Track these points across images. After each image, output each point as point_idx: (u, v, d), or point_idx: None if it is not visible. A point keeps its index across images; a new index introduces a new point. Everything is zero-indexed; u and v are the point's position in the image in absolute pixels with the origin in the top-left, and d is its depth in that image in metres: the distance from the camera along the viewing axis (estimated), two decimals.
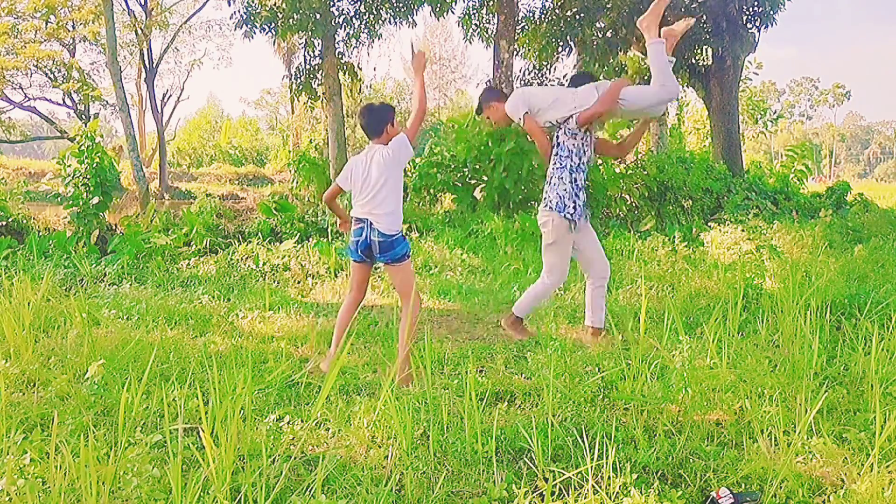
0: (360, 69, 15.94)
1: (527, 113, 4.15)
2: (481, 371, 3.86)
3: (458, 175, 10.63)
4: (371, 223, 3.75)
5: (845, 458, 2.54)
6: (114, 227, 9.14)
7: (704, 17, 13.55)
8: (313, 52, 14.79)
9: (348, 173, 3.90)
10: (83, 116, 22.53)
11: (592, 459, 2.30)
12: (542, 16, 15.09)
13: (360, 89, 18.10)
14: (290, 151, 26.72)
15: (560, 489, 2.33)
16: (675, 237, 8.33)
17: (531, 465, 2.51)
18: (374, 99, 36.25)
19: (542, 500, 2.22)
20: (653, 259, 7.19)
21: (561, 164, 4.14)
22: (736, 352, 3.56)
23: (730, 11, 13.09)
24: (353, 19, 14.30)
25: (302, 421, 2.93)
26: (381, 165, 3.75)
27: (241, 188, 23.83)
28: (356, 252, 3.87)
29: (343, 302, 4.14)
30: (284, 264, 7.26)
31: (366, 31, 14.54)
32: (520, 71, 16.07)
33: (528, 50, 15.63)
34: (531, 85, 16.12)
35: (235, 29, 13.60)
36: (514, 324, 4.36)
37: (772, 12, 13.43)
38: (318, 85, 14.73)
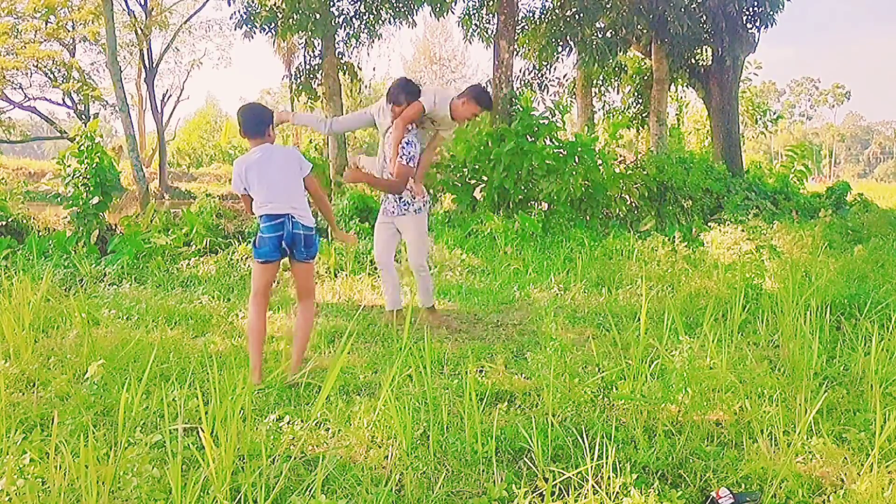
0: (360, 69, 15.93)
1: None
2: (481, 371, 3.86)
3: (458, 175, 10.63)
4: (293, 217, 3.63)
5: (845, 458, 2.54)
6: (114, 227, 9.13)
7: (704, 17, 13.57)
8: (313, 52, 14.79)
9: (243, 176, 3.65)
10: (83, 116, 22.52)
11: (592, 459, 2.30)
12: (542, 16, 15.09)
13: (360, 89, 18.08)
14: None
15: (560, 489, 2.32)
16: (675, 237, 8.33)
17: (531, 465, 2.51)
18: (374, 99, 36.22)
19: (542, 500, 2.22)
20: (653, 259, 7.19)
21: None
22: (736, 352, 3.56)
23: (729, 11, 13.10)
24: (353, 19, 14.30)
25: (302, 421, 2.93)
26: (292, 162, 3.68)
27: None
28: (276, 249, 3.68)
29: (254, 311, 3.80)
30: (284, 264, 7.25)
31: (366, 31, 14.54)
32: (520, 71, 16.08)
33: (528, 50, 15.63)
34: (531, 85, 16.13)
35: (235, 29, 13.60)
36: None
37: (771, 12, 13.43)
38: (318, 85, 14.72)
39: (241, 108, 3.79)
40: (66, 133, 22.17)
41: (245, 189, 3.70)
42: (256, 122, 3.67)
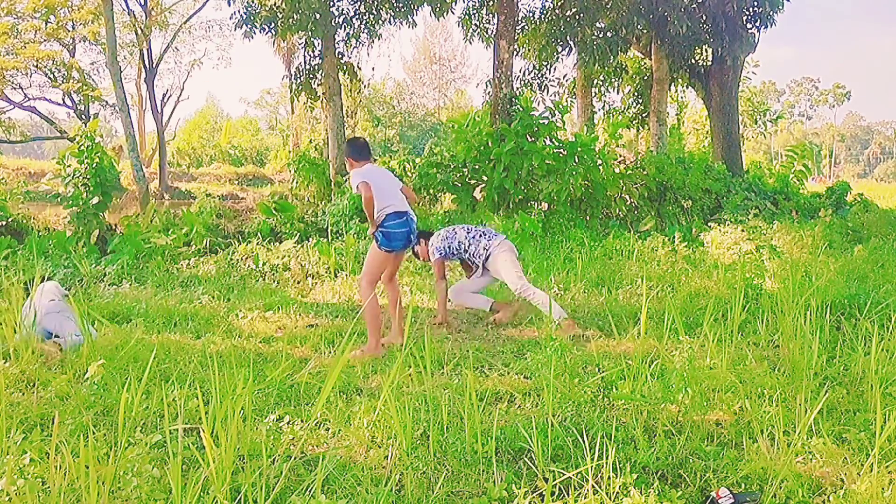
0: (360, 69, 15.93)
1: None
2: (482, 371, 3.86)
3: (458, 175, 10.64)
4: (410, 214, 4.49)
5: (845, 458, 2.54)
6: (114, 227, 9.13)
7: (704, 18, 13.56)
8: (313, 52, 14.78)
9: (373, 178, 4.38)
10: (83, 116, 22.51)
11: (592, 459, 2.30)
12: (542, 16, 15.09)
13: (359, 89, 18.09)
14: (289, 151, 26.72)
15: (560, 489, 2.32)
16: (675, 237, 8.33)
17: (531, 465, 2.50)
18: (374, 99, 36.21)
19: (542, 500, 2.22)
20: (653, 259, 7.19)
21: None
22: (736, 352, 3.56)
23: (729, 12, 13.09)
24: (353, 19, 14.29)
25: (302, 421, 2.93)
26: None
27: (241, 188, 23.77)
28: (407, 240, 4.58)
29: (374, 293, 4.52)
30: (284, 264, 7.26)
31: (366, 31, 14.53)
32: (520, 71, 16.08)
33: (528, 50, 15.63)
34: (531, 85, 16.13)
35: (235, 29, 13.59)
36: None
37: (771, 12, 13.42)
38: (318, 85, 14.71)
39: (358, 140, 4.73)
40: (66, 133, 22.18)
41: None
42: (366, 149, 4.60)
